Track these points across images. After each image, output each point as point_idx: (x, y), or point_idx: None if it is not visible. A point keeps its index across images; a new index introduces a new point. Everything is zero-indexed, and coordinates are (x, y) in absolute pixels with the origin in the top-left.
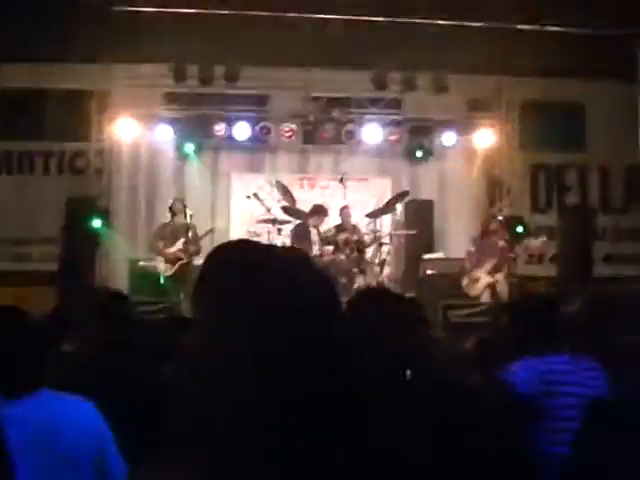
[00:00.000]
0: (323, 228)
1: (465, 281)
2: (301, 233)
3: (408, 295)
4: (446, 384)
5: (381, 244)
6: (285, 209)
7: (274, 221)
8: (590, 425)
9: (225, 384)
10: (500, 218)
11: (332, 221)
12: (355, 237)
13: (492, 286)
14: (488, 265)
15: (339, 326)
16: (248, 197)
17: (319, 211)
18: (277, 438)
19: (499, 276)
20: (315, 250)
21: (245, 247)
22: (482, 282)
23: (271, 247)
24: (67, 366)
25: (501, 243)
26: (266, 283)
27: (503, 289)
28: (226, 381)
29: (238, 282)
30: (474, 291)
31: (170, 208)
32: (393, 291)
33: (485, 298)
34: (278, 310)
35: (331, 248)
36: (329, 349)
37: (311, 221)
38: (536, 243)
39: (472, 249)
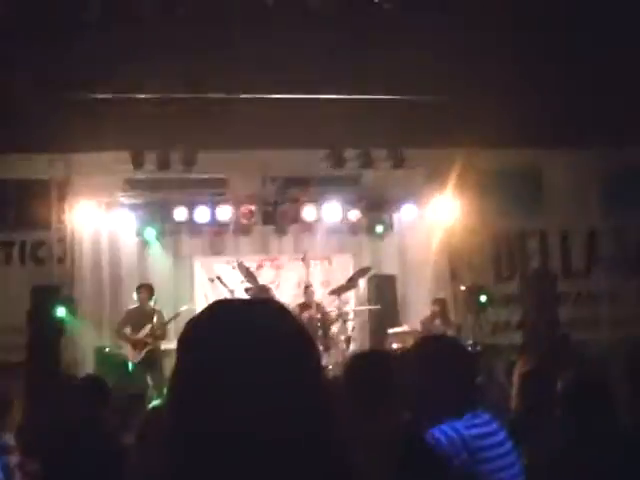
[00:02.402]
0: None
1: None
2: None
3: None
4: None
5: (346, 320)
6: (248, 291)
7: None
8: None
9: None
10: (463, 288)
11: (296, 300)
12: (319, 315)
13: None
14: None
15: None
16: (211, 280)
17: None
18: None
19: None
20: None
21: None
22: None
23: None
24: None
25: (443, 329)
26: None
27: None
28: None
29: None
30: None
31: (137, 293)
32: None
33: None
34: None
35: None
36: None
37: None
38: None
39: (419, 330)
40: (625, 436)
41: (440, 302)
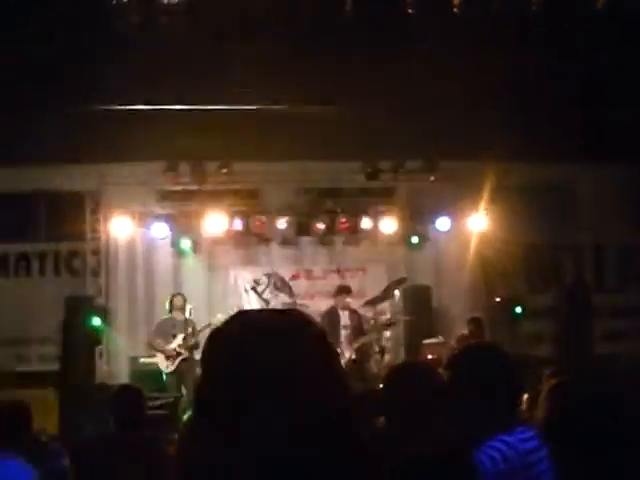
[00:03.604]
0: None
1: None
2: (332, 319)
3: None
4: None
5: (381, 331)
6: (284, 304)
7: None
8: None
9: None
10: (497, 299)
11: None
12: (356, 321)
13: None
14: None
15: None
16: (246, 291)
17: (342, 290)
18: None
19: None
20: (343, 335)
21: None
22: None
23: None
24: None
25: None
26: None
27: None
28: None
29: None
30: None
31: (170, 303)
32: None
33: None
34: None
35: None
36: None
37: (337, 302)
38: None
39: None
40: None
41: (475, 321)
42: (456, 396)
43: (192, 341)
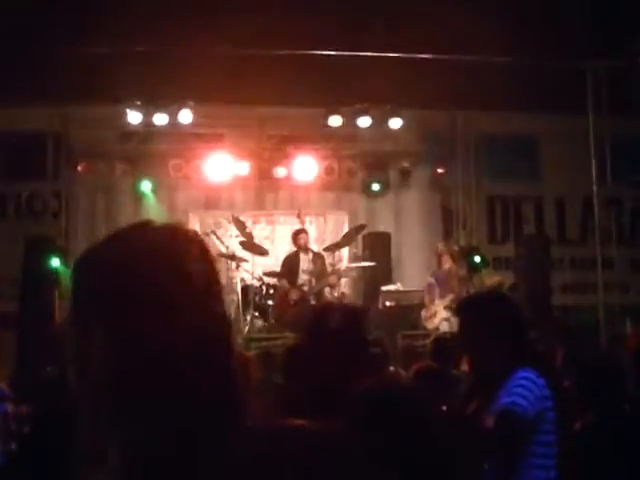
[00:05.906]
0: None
1: (424, 314)
2: (292, 262)
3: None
4: None
5: (339, 277)
6: (243, 244)
7: (232, 257)
8: None
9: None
10: (456, 248)
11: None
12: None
13: (449, 320)
14: (447, 299)
15: None
16: (206, 234)
17: (298, 232)
18: None
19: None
20: (303, 279)
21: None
22: (439, 316)
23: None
24: None
25: (461, 273)
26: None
27: None
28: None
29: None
30: (431, 325)
31: None
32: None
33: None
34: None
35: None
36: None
37: (297, 244)
38: (492, 281)
39: (432, 281)
40: None
41: (445, 243)
42: (472, 338)
43: None
